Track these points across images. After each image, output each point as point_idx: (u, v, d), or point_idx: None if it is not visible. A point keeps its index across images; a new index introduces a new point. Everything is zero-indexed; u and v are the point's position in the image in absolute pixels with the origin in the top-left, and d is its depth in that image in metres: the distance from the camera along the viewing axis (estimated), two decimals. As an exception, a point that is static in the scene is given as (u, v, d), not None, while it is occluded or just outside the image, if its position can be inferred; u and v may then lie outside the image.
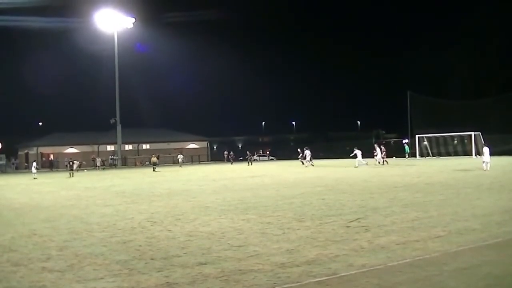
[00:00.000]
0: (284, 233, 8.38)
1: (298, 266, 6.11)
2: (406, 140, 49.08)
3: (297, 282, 5.43)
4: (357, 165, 30.38)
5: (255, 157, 59.29)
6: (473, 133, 41.95)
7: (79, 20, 61.14)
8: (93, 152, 62.37)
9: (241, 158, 58.85)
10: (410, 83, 67.31)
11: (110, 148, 64.87)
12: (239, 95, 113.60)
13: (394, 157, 42.56)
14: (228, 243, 7.67)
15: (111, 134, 62.65)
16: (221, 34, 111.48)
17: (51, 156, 61.93)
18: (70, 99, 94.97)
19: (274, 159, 63.57)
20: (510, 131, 40.71)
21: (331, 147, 56.82)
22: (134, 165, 61.09)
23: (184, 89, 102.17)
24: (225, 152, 63.25)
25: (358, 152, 31.63)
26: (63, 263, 6.78)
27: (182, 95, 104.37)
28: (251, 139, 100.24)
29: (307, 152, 35.77)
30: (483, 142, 37.13)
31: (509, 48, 63.75)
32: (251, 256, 6.75)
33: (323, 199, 13.28)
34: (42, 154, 62.78)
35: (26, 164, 59.77)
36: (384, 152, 33.78)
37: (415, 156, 44.99)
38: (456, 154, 44.33)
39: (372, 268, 5.87)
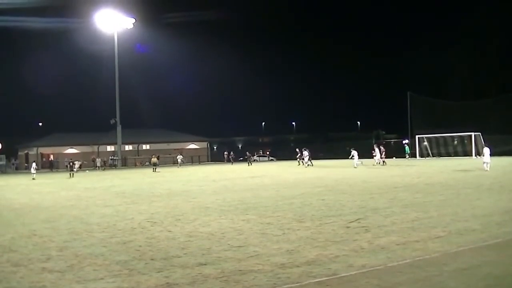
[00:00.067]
0: (284, 233, 8.38)
1: (298, 266, 6.11)
2: (406, 141, 49.03)
3: (297, 283, 5.43)
4: (355, 166, 30.43)
5: (255, 157, 59.30)
6: (473, 134, 41.94)
7: (79, 20, 61.26)
8: (93, 152, 62.35)
9: (241, 158, 58.86)
10: (410, 83, 67.51)
11: (110, 148, 64.86)
12: (239, 95, 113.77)
13: (394, 158, 42.56)
14: (228, 244, 7.67)
15: (111, 135, 62.65)
16: (221, 34, 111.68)
17: (51, 157, 61.95)
18: (70, 100, 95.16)
19: (274, 160, 63.56)
20: (510, 132, 40.70)
21: (331, 147, 56.81)
22: (134, 165, 61.08)
23: (184, 89, 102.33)
24: (225, 153, 63.21)
25: (354, 152, 31.74)
26: (63, 263, 6.78)
27: (182, 95, 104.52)
28: (251, 140, 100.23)
29: (305, 153, 35.96)
30: (483, 142, 37.11)
31: (509, 48, 63.87)
32: (251, 256, 6.75)
33: (323, 199, 13.28)
34: (42, 154, 62.79)
35: (26, 164, 59.72)
36: (383, 153, 33.80)
37: (415, 157, 44.97)
38: (456, 154, 44.31)
39: (372, 269, 5.87)
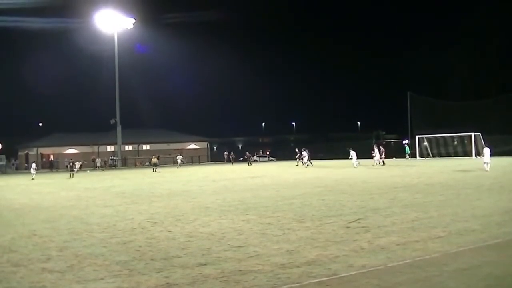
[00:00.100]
0: (284, 233, 8.38)
1: (298, 266, 6.11)
2: (407, 141, 49.04)
3: (297, 283, 5.43)
4: (355, 166, 30.45)
5: (255, 157, 59.29)
6: (473, 134, 41.95)
7: (79, 20, 61.34)
8: (93, 152, 62.38)
9: (241, 158, 58.87)
10: (410, 83, 67.51)
11: (110, 148, 64.88)
12: (239, 96, 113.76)
13: (394, 158, 42.56)
14: (228, 244, 7.66)
15: (111, 135, 62.67)
16: (221, 34, 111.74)
17: (51, 157, 61.96)
18: (70, 100, 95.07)
19: (274, 160, 63.56)
20: (510, 132, 40.69)
21: (332, 147, 56.76)
22: (134, 165, 61.08)
23: (184, 89, 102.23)
24: (225, 153, 63.21)
25: (353, 153, 31.80)
26: (63, 263, 6.78)
27: (182, 95, 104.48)
28: (251, 140, 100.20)
29: (305, 153, 36.07)
30: (483, 142, 37.10)
31: (509, 48, 63.91)
32: (251, 256, 6.75)
33: (323, 199, 13.28)
34: (42, 154, 62.81)
35: (26, 164, 59.73)
36: (383, 153, 33.79)
37: (415, 157, 44.97)
38: (456, 154, 44.30)
39: (372, 269, 5.87)
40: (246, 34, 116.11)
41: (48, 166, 58.21)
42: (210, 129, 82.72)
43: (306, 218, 9.96)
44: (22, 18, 57.82)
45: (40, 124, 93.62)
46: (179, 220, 10.54)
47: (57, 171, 52.34)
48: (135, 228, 9.64)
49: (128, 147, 66.06)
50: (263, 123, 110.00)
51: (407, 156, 42.97)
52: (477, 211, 10.16)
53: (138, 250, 7.48)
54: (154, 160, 40.84)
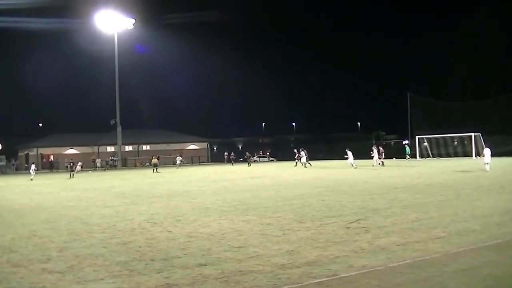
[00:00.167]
0: (284, 234, 8.38)
1: (298, 267, 6.11)
2: (407, 141, 49.07)
3: (297, 283, 5.43)
4: (355, 166, 30.44)
5: (254, 158, 59.29)
6: (473, 134, 41.95)
7: (79, 21, 61.35)
8: (93, 153, 62.38)
9: (241, 159, 58.88)
10: (410, 83, 67.48)
11: (110, 149, 64.85)
12: (239, 96, 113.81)
13: (394, 158, 42.56)
14: (228, 244, 7.66)
15: (111, 135, 62.66)
16: (221, 35, 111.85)
17: (51, 157, 61.95)
18: (70, 100, 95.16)
19: (274, 160, 63.56)
20: (510, 132, 40.71)
21: (332, 148, 56.77)
22: (134, 166, 61.08)
23: (184, 90, 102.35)
24: (225, 153, 63.21)
25: (349, 153, 31.83)
26: (63, 264, 6.78)
27: (182, 96, 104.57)
28: (251, 140, 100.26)
29: (303, 153, 36.17)
30: (483, 143, 37.12)
31: (509, 48, 63.90)
32: (251, 257, 6.75)
33: (323, 200, 13.28)
34: (42, 155, 62.80)
35: (26, 165, 59.71)
36: (382, 153, 33.77)
37: (415, 157, 44.98)
38: (456, 155, 44.34)
39: (372, 269, 5.87)
40: (246, 34, 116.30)
41: (48, 166, 58.20)
42: (210, 129, 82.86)
43: (306, 219, 9.96)
44: (22, 18, 57.89)
45: (40, 124, 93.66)
46: (179, 220, 10.54)
47: (57, 171, 52.33)
48: (135, 229, 9.64)
49: (128, 148, 66.05)
50: (263, 124, 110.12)
51: (407, 157, 42.99)
52: (477, 211, 10.16)
53: (138, 251, 7.48)
54: (155, 160, 40.82)
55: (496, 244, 7.03)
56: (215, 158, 70.75)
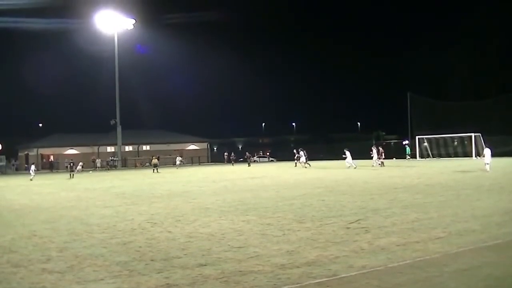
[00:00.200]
0: (284, 234, 8.37)
1: (298, 267, 6.10)
2: (407, 142, 49.08)
3: (297, 283, 5.43)
4: (355, 166, 30.46)
5: (254, 158, 59.29)
6: (473, 134, 41.95)
7: (79, 21, 61.39)
8: (93, 153, 62.39)
9: (241, 159, 58.88)
10: (410, 83, 67.57)
11: (110, 149, 64.87)
12: (239, 96, 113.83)
13: (394, 158, 42.56)
14: (228, 244, 7.66)
15: (111, 135, 62.68)
16: (221, 35, 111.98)
17: (51, 157, 61.94)
18: (70, 100, 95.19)
19: (274, 161, 63.57)
20: (510, 132, 40.72)
21: (332, 148, 56.79)
22: (134, 166, 61.07)
23: (184, 90, 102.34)
24: (225, 153, 63.23)
25: (348, 153, 31.86)
26: (63, 264, 6.78)
27: (182, 96, 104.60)
28: (251, 140, 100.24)
29: (302, 153, 36.21)
30: (483, 143, 37.12)
31: (509, 48, 63.95)
32: (251, 257, 6.75)
33: (323, 200, 13.28)
34: (42, 155, 62.80)
35: (26, 165, 59.73)
36: (382, 154, 33.77)
37: (416, 157, 44.98)
38: (456, 155, 44.33)
39: (372, 270, 5.87)
40: (246, 34, 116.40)
41: (48, 166, 58.20)
42: (210, 129, 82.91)
43: (306, 219, 9.96)
44: (23, 18, 57.92)
45: (40, 124, 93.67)
46: (179, 220, 10.54)
47: (57, 171, 52.34)
48: (135, 229, 9.64)
49: (128, 148, 66.06)
50: (263, 124, 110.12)
51: (407, 157, 42.98)
52: (477, 211, 10.16)
53: (138, 251, 7.47)
54: (155, 161, 40.83)
55: (496, 245, 7.03)
56: (215, 159, 70.75)
